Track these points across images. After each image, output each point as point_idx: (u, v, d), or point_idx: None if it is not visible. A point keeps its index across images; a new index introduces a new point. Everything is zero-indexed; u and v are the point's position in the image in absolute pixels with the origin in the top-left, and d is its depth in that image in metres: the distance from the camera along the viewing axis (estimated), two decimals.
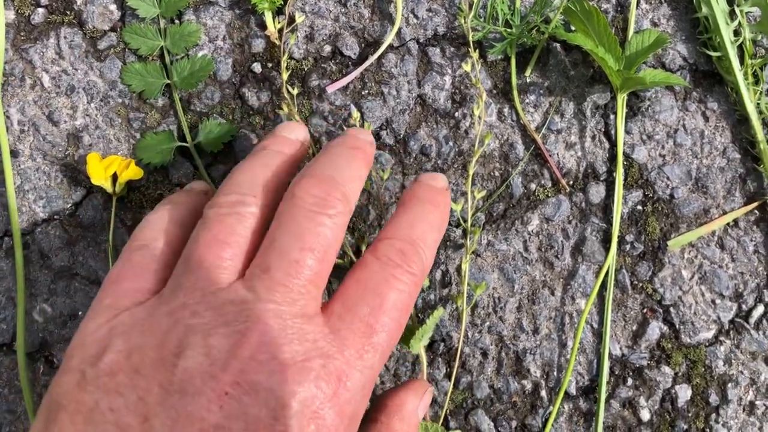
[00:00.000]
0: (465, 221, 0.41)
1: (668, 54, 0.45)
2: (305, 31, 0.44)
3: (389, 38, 0.43)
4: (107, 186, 0.40)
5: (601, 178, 0.44)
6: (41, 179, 0.42)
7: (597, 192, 0.43)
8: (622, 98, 0.43)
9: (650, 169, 0.44)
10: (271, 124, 0.43)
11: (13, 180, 0.41)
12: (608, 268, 0.42)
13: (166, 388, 0.27)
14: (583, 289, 0.43)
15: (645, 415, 0.42)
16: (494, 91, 0.44)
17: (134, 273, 0.32)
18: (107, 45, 0.43)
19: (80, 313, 0.41)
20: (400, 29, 0.44)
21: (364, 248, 0.41)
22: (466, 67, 0.40)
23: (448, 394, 0.41)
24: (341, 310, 0.30)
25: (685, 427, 0.42)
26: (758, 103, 0.43)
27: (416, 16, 0.44)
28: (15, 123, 0.42)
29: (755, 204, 0.44)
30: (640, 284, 0.43)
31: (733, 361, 0.43)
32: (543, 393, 0.42)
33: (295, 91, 0.41)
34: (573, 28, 0.43)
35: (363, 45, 0.44)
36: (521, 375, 0.42)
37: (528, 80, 0.44)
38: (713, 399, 0.42)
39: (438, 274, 0.42)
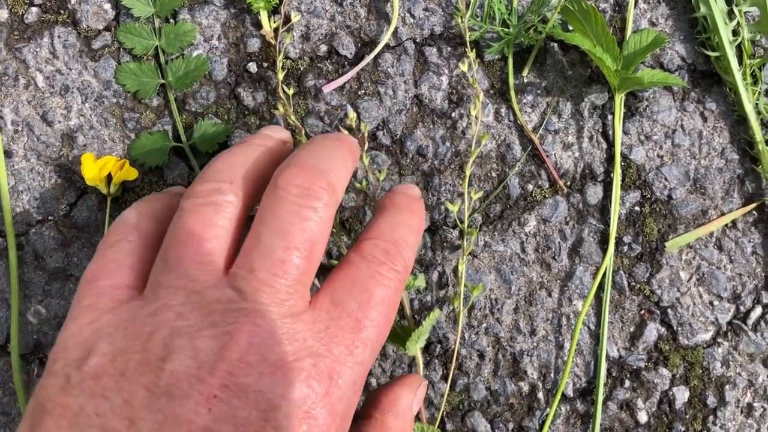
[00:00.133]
0: (462, 222, 0.41)
1: (666, 54, 0.45)
2: (301, 31, 0.43)
3: (386, 38, 0.43)
4: (102, 187, 0.40)
5: (599, 179, 0.43)
6: (35, 180, 0.41)
7: (594, 193, 0.43)
8: (619, 98, 0.43)
9: (648, 169, 0.44)
10: (266, 124, 0.42)
11: (7, 180, 0.41)
12: (605, 269, 0.42)
13: (153, 392, 0.26)
14: (580, 290, 0.42)
15: (642, 417, 0.42)
16: (491, 91, 0.44)
17: (110, 270, 0.32)
18: (102, 44, 0.42)
19: None
20: (396, 29, 0.44)
21: None
22: (463, 67, 0.40)
23: (445, 396, 0.41)
24: (329, 307, 0.30)
25: (683, 429, 0.42)
26: (757, 104, 0.43)
27: (413, 16, 0.44)
28: (9, 123, 0.41)
29: (753, 205, 0.44)
30: (638, 285, 0.43)
31: (730, 362, 0.42)
32: (540, 395, 0.42)
33: (290, 91, 0.41)
34: (570, 28, 0.43)
35: (359, 45, 0.43)
36: (518, 377, 0.42)
37: (525, 80, 0.44)
38: (711, 401, 0.42)
39: (435, 276, 0.42)
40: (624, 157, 0.44)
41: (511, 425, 0.41)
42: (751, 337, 0.43)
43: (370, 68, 0.43)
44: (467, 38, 0.42)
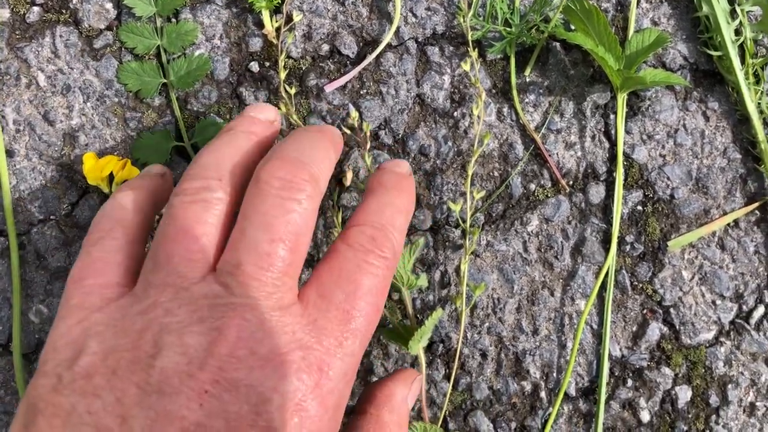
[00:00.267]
0: (464, 222, 0.41)
1: (669, 53, 0.44)
2: (303, 30, 0.43)
3: (388, 37, 0.43)
4: (104, 186, 0.40)
5: (601, 179, 0.43)
6: (37, 179, 0.41)
7: (597, 192, 0.43)
8: (622, 98, 0.43)
9: (650, 169, 0.44)
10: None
11: (9, 180, 0.41)
12: (608, 268, 0.42)
13: (144, 389, 0.26)
14: (582, 289, 0.42)
15: (645, 416, 0.42)
16: (493, 91, 0.44)
17: (96, 269, 0.31)
18: (103, 44, 0.42)
19: None
20: (398, 28, 0.44)
21: None
22: (465, 66, 0.40)
23: (447, 396, 0.41)
24: (316, 299, 0.30)
25: (685, 428, 0.42)
26: (759, 103, 0.43)
27: (415, 15, 0.44)
28: (10, 122, 0.41)
29: (756, 204, 0.43)
30: (640, 285, 0.43)
31: (733, 362, 0.42)
32: (542, 394, 0.42)
33: (292, 91, 0.41)
34: (573, 27, 0.43)
35: (361, 44, 0.43)
36: (521, 376, 0.42)
37: (527, 80, 0.44)
38: (713, 400, 0.42)
39: (437, 275, 0.42)
40: (626, 156, 0.44)
41: (513, 424, 0.41)
42: (753, 336, 0.43)
43: (372, 68, 0.43)
44: (469, 37, 0.42)
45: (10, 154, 0.41)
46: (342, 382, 0.29)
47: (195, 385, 0.26)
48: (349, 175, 0.42)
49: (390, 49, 0.43)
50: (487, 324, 0.42)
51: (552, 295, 0.42)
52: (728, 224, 0.43)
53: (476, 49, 0.43)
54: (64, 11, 0.43)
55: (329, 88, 0.42)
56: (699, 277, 0.43)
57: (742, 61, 0.43)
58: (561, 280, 0.43)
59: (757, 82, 0.43)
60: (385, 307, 0.41)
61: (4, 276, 0.41)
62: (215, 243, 0.30)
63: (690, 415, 0.42)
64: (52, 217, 0.41)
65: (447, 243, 0.42)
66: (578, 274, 0.42)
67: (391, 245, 0.32)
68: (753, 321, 0.43)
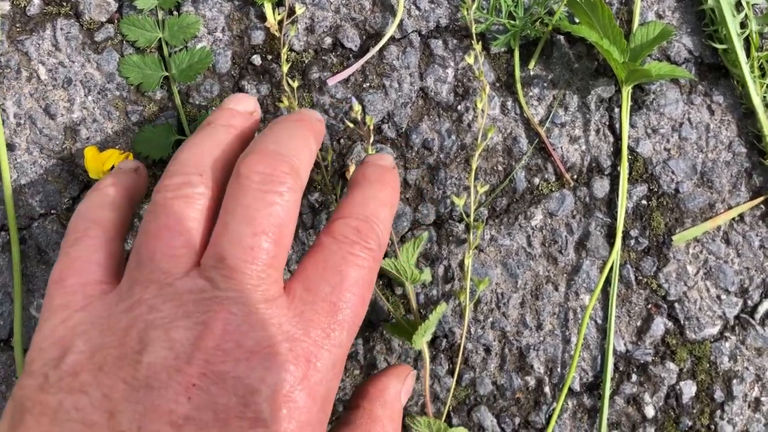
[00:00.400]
0: (468, 216, 0.41)
1: (673, 46, 0.44)
2: (305, 23, 0.43)
3: (391, 30, 0.42)
4: None
5: (606, 173, 0.43)
6: (38, 173, 0.41)
7: (601, 186, 0.43)
8: (626, 91, 0.42)
9: (655, 163, 0.43)
10: (270, 117, 0.42)
11: (10, 174, 0.41)
12: (612, 263, 0.42)
13: (131, 384, 0.26)
14: (587, 284, 0.42)
15: (650, 411, 0.42)
16: (497, 84, 0.43)
17: (76, 268, 0.31)
18: (104, 37, 0.42)
19: None
20: (401, 21, 0.43)
21: None
22: (469, 59, 0.40)
23: (451, 391, 0.41)
24: (302, 292, 0.30)
25: (690, 423, 0.42)
26: (765, 96, 0.43)
27: (418, 8, 0.44)
28: (11, 116, 0.41)
29: (761, 198, 0.43)
30: (645, 279, 0.43)
31: (738, 357, 0.42)
32: (546, 389, 0.41)
33: (295, 84, 0.40)
34: (577, 20, 0.42)
35: (364, 37, 0.43)
36: (524, 371, 0.42)
37: (531, 73, 0.43)
38: (718, 395, 0.42)
39: (440, 270, 0.42)
40: (631, 150, 0.43)
41: (517, 420, 0.41)
42: (758, 331, 0.42)
43: (375, 61, 0.43)
44: (473, 30, 0.41)
45: (11, 147, 0.41)
46: (330, 374, 0.29)
47: (183, 379, 0.26)
48: (352, 169, 0.41)
49: (393, 42, 0.43)
50: (490, 319, 0.42)
51: (556, 289, 0.42)
52: (733, 218, 0.43)
53: (480, 42, 0.43)
54: (64, 4, 0.42)
55: (332, 82, 0.42)
56: (704, 272, 0.43)
57: (748, 54, 0.43)
58: (565, 275, 0.42)
59: (763, 75, 0.43)
60: (389, 301, 0.41)
61: (5, 271, 0.40)
62: (198, 238, 0.30)
63: (695, 411, 0.42)
64: (53, 211, 0.41)
65: (451, 237, 0.42)
66: (582, 268, 0.42)
67: (377, 236, 0.32)
68: (758, 316, 0.43)
